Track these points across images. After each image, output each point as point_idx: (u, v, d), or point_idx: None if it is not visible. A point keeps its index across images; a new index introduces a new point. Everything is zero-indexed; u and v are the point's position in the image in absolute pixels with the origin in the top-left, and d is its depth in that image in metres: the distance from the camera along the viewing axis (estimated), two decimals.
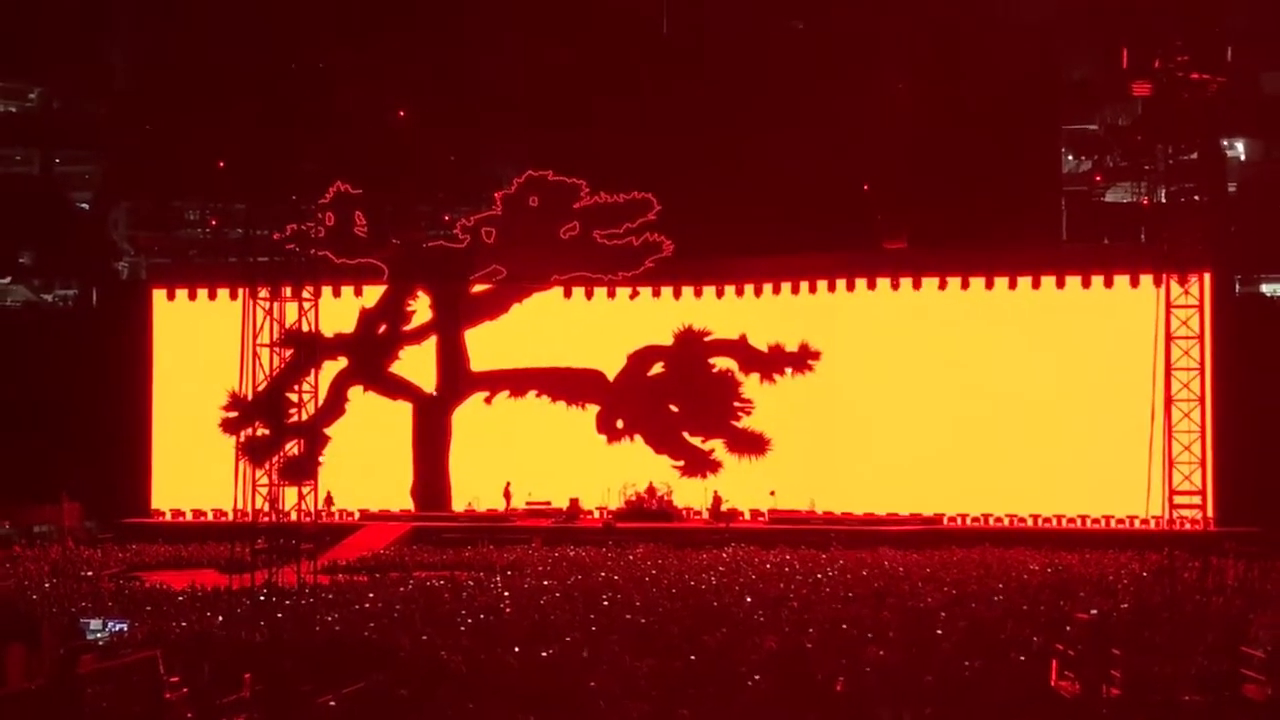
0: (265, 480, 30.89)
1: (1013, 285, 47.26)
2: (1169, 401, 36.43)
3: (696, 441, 49.41)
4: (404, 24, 55.42)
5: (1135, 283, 45.68)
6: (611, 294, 50.37)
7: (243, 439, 33.02)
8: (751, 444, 48.90)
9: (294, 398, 31.71)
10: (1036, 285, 47.05)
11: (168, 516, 50.06)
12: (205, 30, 50.71)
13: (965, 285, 47.63)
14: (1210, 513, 40.40)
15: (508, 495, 48.94)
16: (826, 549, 41.52)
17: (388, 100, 56.55)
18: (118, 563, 40.93)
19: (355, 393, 50.10)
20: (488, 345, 50.57)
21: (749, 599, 30.73)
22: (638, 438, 49.76)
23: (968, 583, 33.48)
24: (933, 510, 46.80)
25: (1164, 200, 39.30)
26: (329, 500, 48.51)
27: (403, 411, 50.53)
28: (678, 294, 50.39)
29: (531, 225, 49.73)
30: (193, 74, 52.94)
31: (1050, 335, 46.61)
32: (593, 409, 50.03)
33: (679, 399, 49.75)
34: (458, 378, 50.55)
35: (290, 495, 30.98)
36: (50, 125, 61.86)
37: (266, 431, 31.77)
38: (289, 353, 32.02)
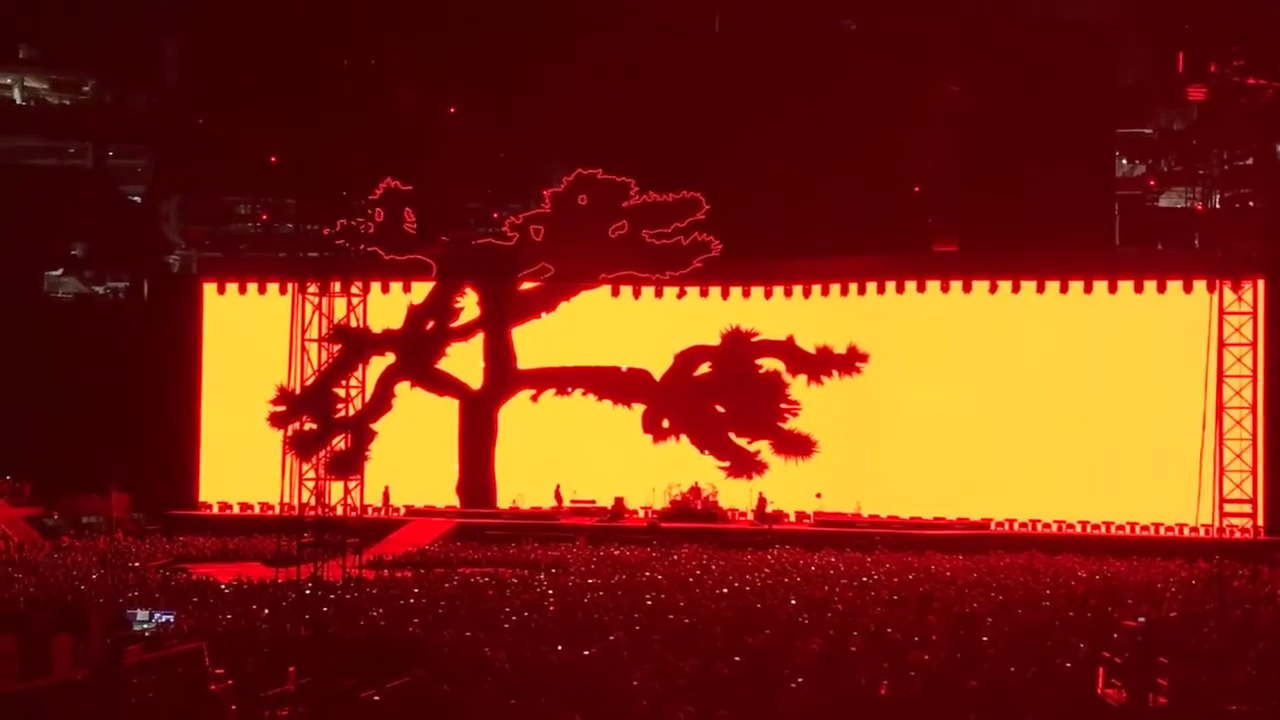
0: (312, 475, 31.02)
1: (1064, 289, 46.92)
2: (1221, 409, 36.20)
3: (742, 442, 49.29)
4: (455, 21, 55.46)
5: (1189, 288, 45.27)
6: (659, 293, 50.33)
7: (290, 433, 33.17)
8: (798, 446, 48.76)
9: (341, 393, 31.84)
10: (1088, 290, 46.72)
11: (215, 509, 50.28)
12: (258, 26, 50.88)
13: (1016, 289, 47.32)
14: (1261, 521, 40.09)
15: (558, 497, 48.96)
16: (872, 552, 41.38)
17: (438, 97, 56.65)
18: (165, 554, 41.13)
19: (402, 389, 50.19)
20: (535, 343, 50.61)
21: (793, 601, 30.61)
22: (683, 438, 49.70)
23: (1014, 588, 33.25)
24: (980, 515, 46.53)
25: (1218, 206, 39.09)
26: (386, 495, 48.76)
27: (449, 408, 50.62)
28: (725, 294, 50.30)
29: (580, 224, 49.73)
30: (245, 69, 53.16)
31: (1102, 340, 46.26)
32: (639, 408, 50.00)
33: (725, 399, 49.66)
34: (504, 375, 50.61)
35: (336, 490, 31.11)
36: (103, 118, 62.23)
37: (314, 426, 31.93)
38: (337, 348, 32.15)
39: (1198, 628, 26.93)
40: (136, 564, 37.87)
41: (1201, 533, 39.96)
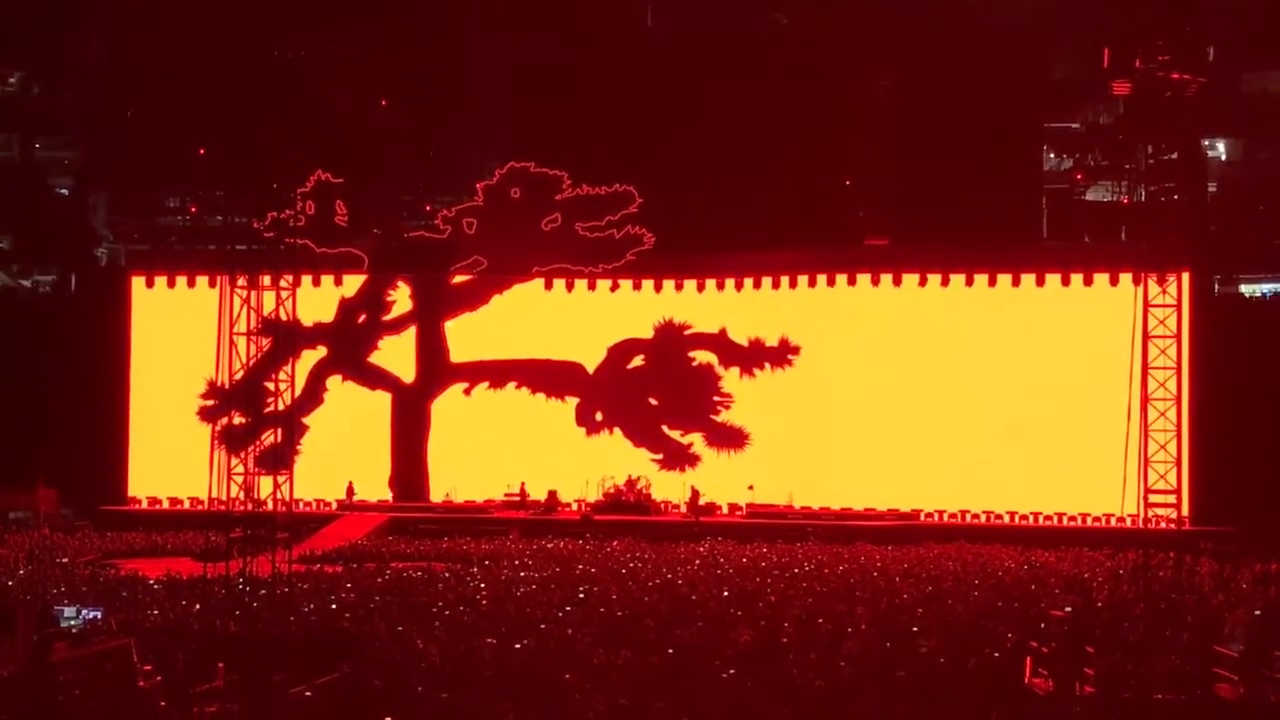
0: (241, 469, 30.83)
1: (993, 282, 47.41)
2: (1145, 400, 36.55)
3: (675, 435, 49.50)
4: (387, 13, 55.22)
5: (1115, 281, 45.83)
6: (592, 286, 50.39)
7: (220, 428, 32.96)
8: (730, 438, 49.00)
9: (271, 387, 31.64)
10: (1016, 283, 47.20)
11: (144, 504, 49.93)
12: (187, 16, 50.46)
13: (946, 282, 47.76)
14: (1185, 511, 40.58)
15: (523, 494, 48.70)
16: (803, 543, 41.63)
17: (370, 89, 56.39)
18: (93, 550, 40.82)
19: (334, 382, 50.08)
20: (468, 336, 50.55)
21: (725, 593, 30.75)
22: (617, 430, 49.83)
23: (944, 579, 33.55)
24: (910, 506, 46.95)
25: (1144, 199, 39.46)
26: (350, 491, 48.62)
27: (381, 402, 50.49)
28: (658, 287, 50.44)
29: (513, 217, 49.73)
30: (174, 61, 52.71)
31: (1029, 333, 46.76)
32: (572, 401, 50.09)
33: (658, 392, 49.82)
34: (437, 368, 50.52)
35: (266, 484, 30.92)
36: (30, 110, 61.54)
37: (243, 420, 31.71)
38: (267, 342, 31.95)
39: (1124, 617, 27.27)
40: (64, 560, 37.56)
41: (1127, 523, 40.32)
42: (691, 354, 49.72)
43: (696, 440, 49.30)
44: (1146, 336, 37.51)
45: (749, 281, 49.70)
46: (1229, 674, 21.62)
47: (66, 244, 58.29)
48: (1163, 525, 37.70)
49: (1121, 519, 40.70)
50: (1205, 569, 35.55)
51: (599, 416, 49.92)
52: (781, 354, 48.66)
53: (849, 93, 53.10)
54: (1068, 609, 24.30)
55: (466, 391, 50.35)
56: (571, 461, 49.00)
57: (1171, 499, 37.73)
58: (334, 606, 28.86)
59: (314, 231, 47.44)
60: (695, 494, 47.61)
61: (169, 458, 48.36)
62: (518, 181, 49.81)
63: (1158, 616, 27.47)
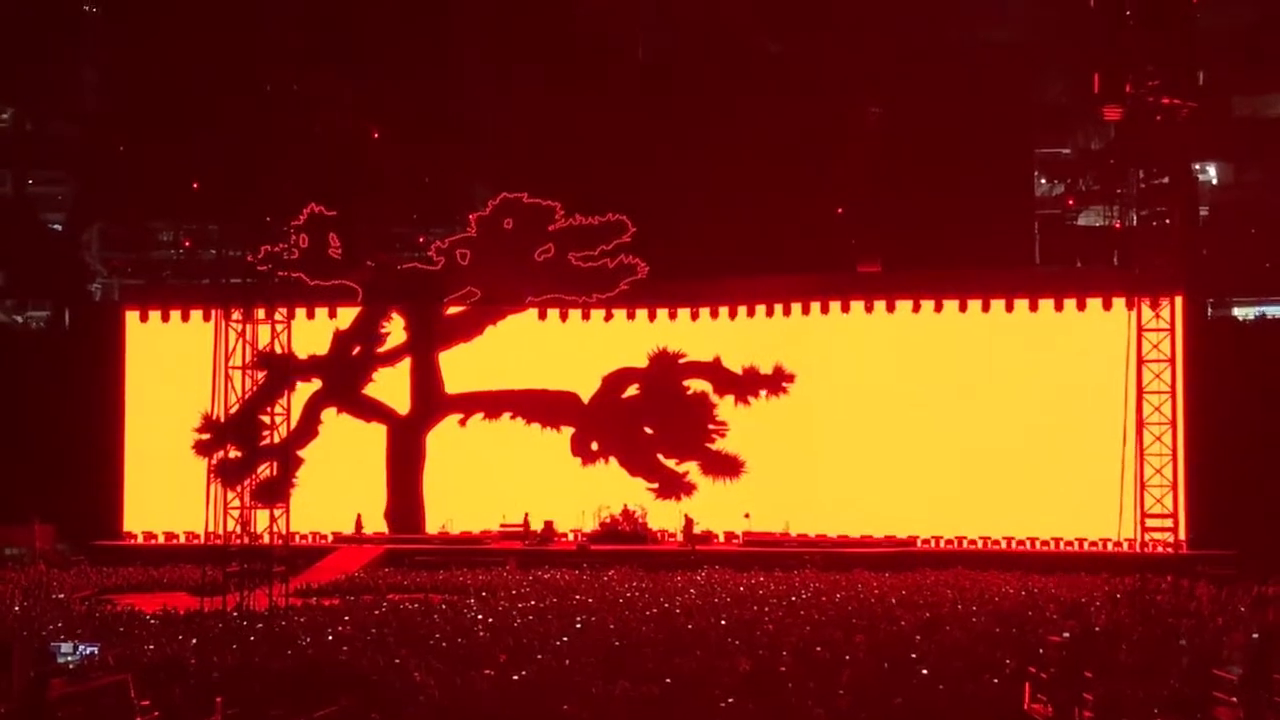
0: (237, 503, 30.82)
1: (986, 308, 47.44)
2: (1141, 425, 36.69)
3: (671, 464, 49.45)
4: (379, 46, 55.37)
5: (1108, 306, 45.84)
6: (586, 316, 50.41)
7: (215, 461, 32.94)
8: (726, 466, 48.97)
9: (267, 420, 31.66)
10: (1010, 308, 47.24)
11: (140, 539, 49.79)
12: (180, 51, 50.57)
13: (939, 308, 47.79)
14: (1182, 535, 40.59)
15: (526, 524, 48.60)
16: (800, 571, 41.59)
17: (362, 122, 56.49)
18: (89, 585, 40.71)
19: (329, 415, 50.02)
20: (462, 367, 50.54)
21: (723, 622, 30.72)
22: (612, 460, 49.78)
23: (941, 605, 33.50)
24: (906, 533, 46.91)
25: (1136, 224, 39.58)
26: (359, 523, 48.58)
27: (377, 433, 50.44)
28: (652, 316, 50.45)
29: (506, 247, 49.75)
30: (167, 95, 52.79)
31: (1023, 358, 46.76)
32: (567, 431, 50.04)
33: (654, 421, 49.80)
34: (432, 399, 50.50)
35: (262, 518, 30.91)
36: (23, 146, 61.63)
37: (239, 454, 31.72)
38: (262, 375, 31.98)
39: (1122, 642, 27.23)
40: (60, 595, 37.45)
41: (1125, 547, 40.40)
42: (686, 382, 49.72)
43: (692, 469, 49.27)
44: (1140, 361, 37.66)
45: (743, 309, 49.74)
46: (1228, 698, 21.60)
47: (60, 279, 58.28)
48: (1160, 549, 37.82)
49: (1119, 543, 40.81)
50: (1203, 592, 35.50)
51: (594, 446, 49.89)
52: (776, 381, 48.67)
53: (839, 119, 53.25)
54: (1066, 634, 24.34)
55: (461, 422, 50.32)
56: (567, 491, 48.96)
57: (1168, 523, 37.85)
58: (331, 640, 28.79)
59: (308, 264, 47.43)
60: (690, 522, 47.54)
61: (165, 492, 48.25)
62: (511, 212, 49.86)
63: (1156, 641, 27.44)
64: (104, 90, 61.78)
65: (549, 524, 48.44)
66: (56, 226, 61.75)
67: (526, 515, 48.57)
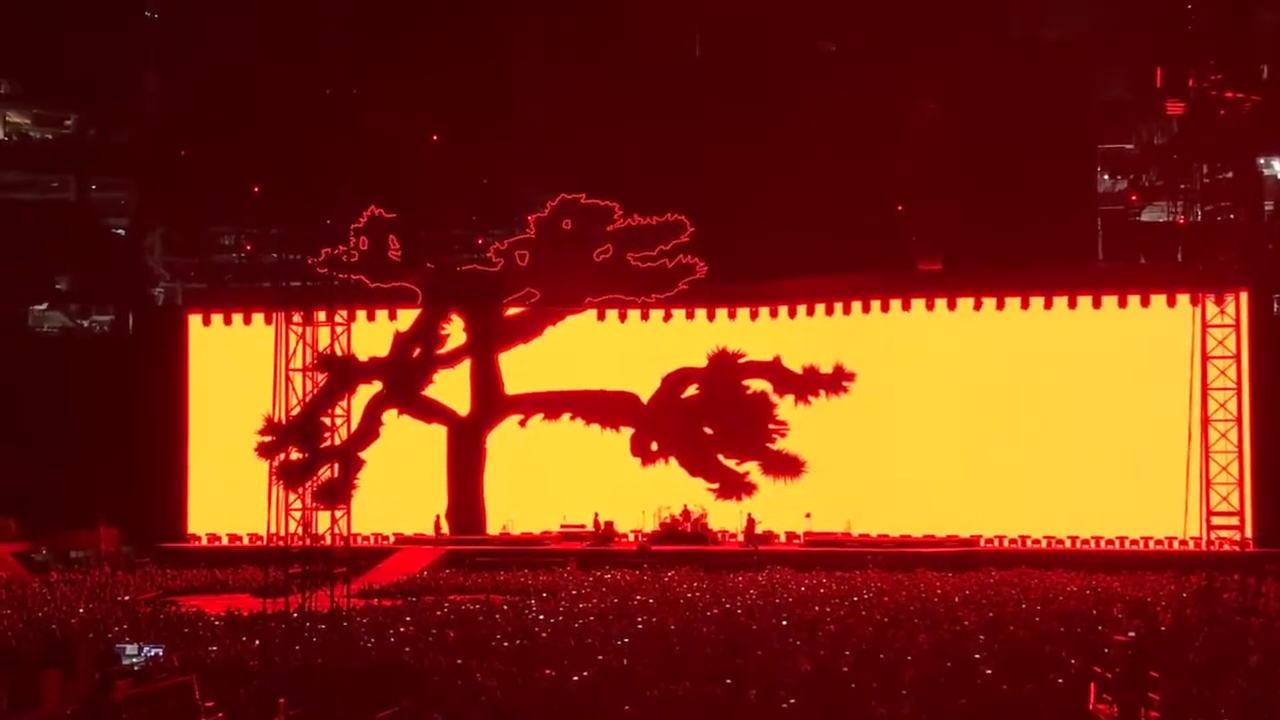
0: (299, 505, 30.92)
1: (1048, 305, 47.05)
2: (1206, 422, 36.35)
3: (731, 464, 49.34)
4: (437, 48, 55.56)
5: (1172, 302, 45.35)
6: (645, 316, 50.37)
7: (277, 463, 33.06)
8: (787, 466, 48.81)
9: (328, 422, 31.75)
10: (1072, 305, 46.83)
11: (204, 541, 50.18)
12: (240, 55, 50.92)
13: (1000, 306, 47.45)
14: (1249, 533, 40.13)
15: (597, 524, 48.64)
16: (863, 571, 41.39)
17: (421, 125, 56.70)
18: (154, 587, 41.02)
19: (390, 416, 50.21)
20: (522, 368, 50.62)
21: (784, 622, 30.59)
22: (672, 460, 49.71)
23: (1005, 604, 33.26)
24: (969, 532, 46.58)
25: (1200, 219, 39.20)
26: (437, 524, 48.78)
27: (437, 435, 50.60)
28: (711, 316, 50.36)
29: (565, 248, 49.80)
30: (227, 99, 53.17)
31: (1087, 355, 46.33)
32: (627, 431, 50.03)
33: (713, 421, 49.70)
34: (492, 401, 50.59)
35: (324, 519, 31.01)
36: (86, 152, 62.19)
37: (301, 456, 31.82)
38: (323, 377, 32.08)
39: (1188, 641, 26.94)
40: (125, 598, 37.75)
41: (1190, 546, 40.02)
42: (746, 382, 49.60)
43: (752, 469, 49.14)
44: (1205, 357, 37.31)
45: (802, 308, 49.58)
46: None
47: (123, 284, 58.85)
48: (1226, 547, 37.43)
49: (1184, 541, 40.40)
50: (1271, 590, 35.09)
51: (654, 446, 49.84)
52: (836, 381, 48.47)
53: (899, 117, 53.00)
54: (1131, 634, 24.09)
55: (521, 423, 50.41)
56: (627, 492, 48.95)
57: (1234, 520, 37.47)
58: (393, 640, 28.88)
59: (368, 267, 47.66)
60: (751, 522, 47.41)
61: (228, 494, 48.61)
62: (569, 213, 49.91)
63: (1223, 640, 27.13)
64: (165, 96, 62.26)
65: (609, 524, 48.44)
66: (119, 231, 62.32)
67: (596, 515, 48.53)
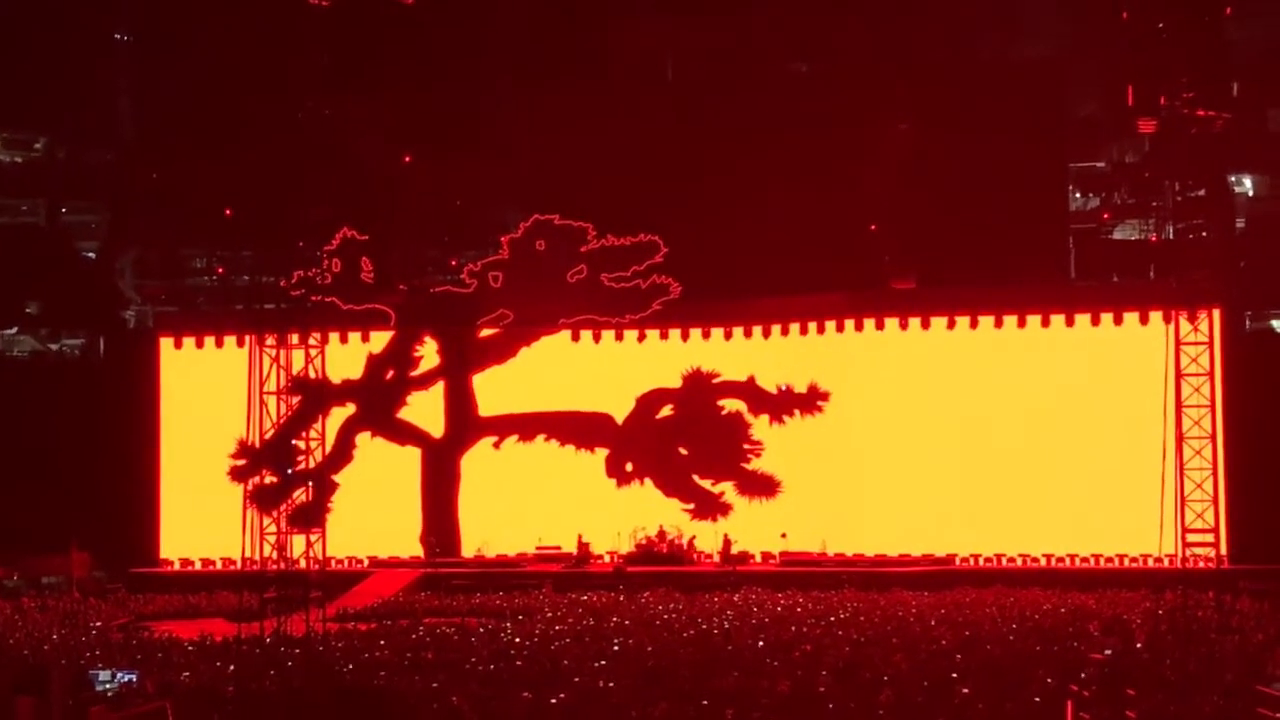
0: (273, 528, 30.82)
1: (1022, 324, 47.18)
2: (1180, 439, 36.37)
3: (706, 484, 49.23)
4: (409, 69, 55.50)
5: (1145, 320, 45.55)
6: (619, 337, 50.34)
7: (251, 487, 32.96)
8: (762, 486, 48.73)
9: (302, 445, 31.67)
10: (1046, 323, 46.97)
11: (176, 566, 49.93)
12: (211, 78, 50.79)
13: (974, 324, 47.57)
14: (1224, 550, 40.17)
15: (581, 545, 48.40)
16: (838, 591, 41.37)
17: (393, 146, 56.63)
18: (127, 613, 40.79)
19: (363, 439, 50.01)
20: (496, 389, 50.51)
21: (761, 642, 30.56)
22: (647, 481, 49.62)
23: (981, 623, 33.30)
24: (945, 551, 46.60)
25: (1172, 237, 39.28)
26: (428, 544, 48.58)
27: (411, 457, 50.44)
28: (685, 336, 50.36)
29: (538, 269, 49.73)
30: (198, 122, 53.02)
31: (1060, 373, 46.48)
32: (602, 452, 49.91)
33: (688, 441, 49.63)
34: (466, 422, 50.47)
35: (298, 543, 30.91)
36: (56, 175, 61.94)
37: (274, 479, 31.73)
38: (296, 400, 31.99)
39: (1164, 658, 26.98)
40: (98, 623, 37.53)
41: (1165, 563, 40.02)
42: (720, 402, 49.54)
43: (728, 489, 49.04)
44: (1179, 375, 37.36)
45: (776, 328, 49.60)
46: (1272, 714, 21.36)
47: (94, 307, 58.53)
48: (1201, 564, 37.43)
49: (1160, 559, 40.35)
50: (1245, 608, 35.19)
51: (629, 467, 49.74)
52: (811, 400, 48.45)
53: (871, 137, 53.10)
54: (1108, 651, 24.14)
55: (496, 445, 50.26)
56: (603, 513, 48.80)
57: (1209, 538, 37.45)
58: (368, 664, 28.75)
59: (341, 289, 47.55)
60: (728, 543, 47.37)
61: (201, 518, 48.31)
62: (543, 234, 49.87)
63: (1198, 657, 27.17)
64: (136, 118, 62.08)
65: (584, 545, 48.33)
66: (90, 255, 62.03)
67: (580, 536, 48.35)
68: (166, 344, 51.58)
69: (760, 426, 49.11)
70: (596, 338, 50.43)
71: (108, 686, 23.88)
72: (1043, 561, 45.80)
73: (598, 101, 55.15)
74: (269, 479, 31.96)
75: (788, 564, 46.82)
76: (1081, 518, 45.45)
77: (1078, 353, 46.48)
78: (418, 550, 49.70)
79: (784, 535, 47.51)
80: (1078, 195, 57.39)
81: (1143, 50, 37.34)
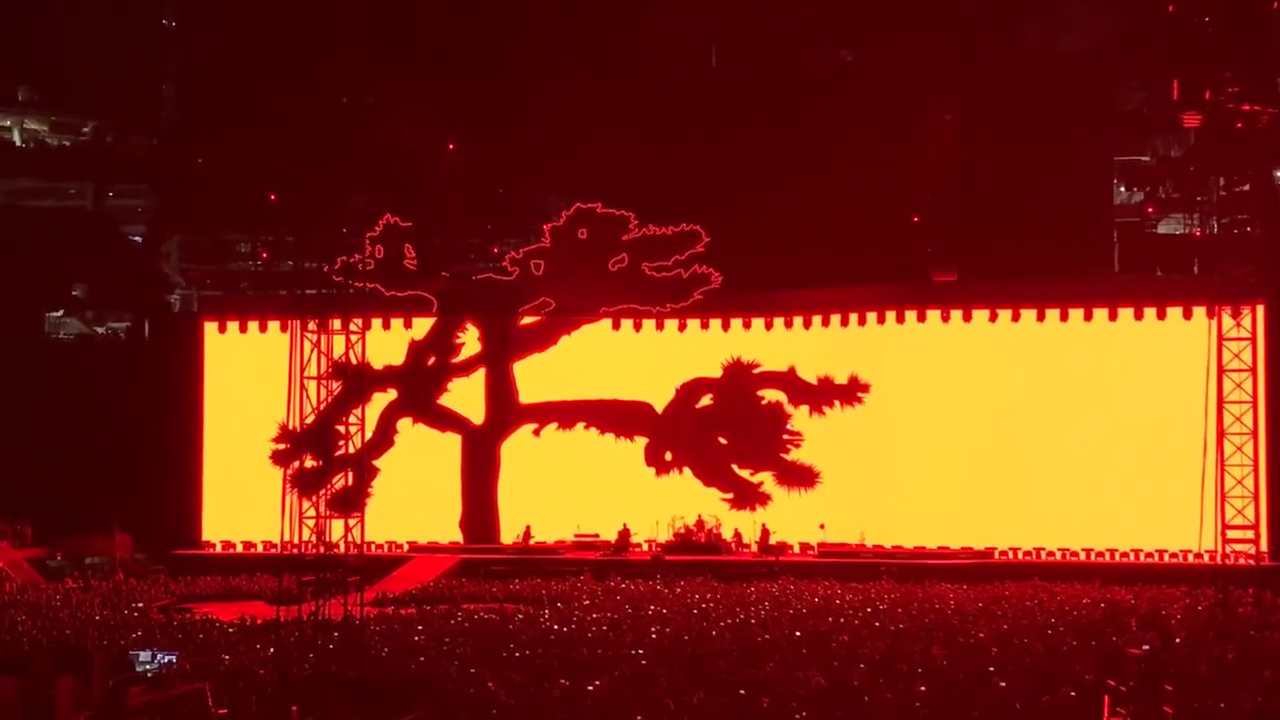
0: (313, 512, 30.97)
1: (1064, 317, 46.95)
2: (1221, 435, 36.19)
3: (745, 474, 49.22)
4: (453, 58, 55.64)
5: (1188, 315, 45.28)
6: (660, 326, 50.33)
7: (292, 471, 33.12)
8: (801, 477, 48.68)
9: (342, 430, 31.81)
10: (1088, 318, 46.73)
11: (218, 548, 50.24)
12: (256, 64, 51.03)
13: (1016, 317, 47.35)
14: (1264, 546, 39.99)
15: (623, 535, 48.52)
16: (876, 583, 41.32)
17: (436, 133, 56.79)
18: (168, 594, 41.10)
19: (404, 425, 50.18)
20: (536, 377, 50.61)
21: (798, 633, 30.57)
22: (686, 470, 49.63)
23: (1019, 617, 33.22)
24: (984, 544, 46.44)
25: (1217, 232, 39.06)
26: (528, 533, 48.75)
27: (451, 443, 50.59)
28: (726, 326, 50.31)
29: (580, 257, 49.77)
30: (244, 108, 53.30)
31: (1102, 368, 46.25)
32: (641, 441, 49.94)
33: (727, 431, 49.62)
34: (506, 410, 50.59)
35: (338, 527, 31.06)
36: (103, 159, 62.40)
37: (315, 463, 31.88)
38: (338, 385, 32.14)
39: (1203, 655, 26.87)
40: (139, 604, 37.82)
41: (1205, 559, 39.85)
42: (760, 392, 49.51)
43: (766, 479, 49.00)
44: (1221, 370, 37.17)
45: (817, 319, 49.52)
46: None
47: (140, 291, 58.98)
48: (1241, 561, 37.27)
49: (1199, 555, 40.20)
50: None
51: (668, 456, 49.76)
52: (851, 391, 48.37)
53: (914, 128, 52.96)
54: (1145, 647, 24.06)
55: (536, 432, 50.37)
56: (641, 501, 48.85)
57: (1250, 534, 37.32)
58: (406, 649, 28.89)
59: (383, 275, 47.69)
60: (766, 533, 47.38)
61: (242, 501, 48.65)
62: (585, 222, 49.90)
63: (1237, 654, 27.06)
64: (182, 103, 62.46)
65: (623, 534, 48.40)
66: (136, 239, 62.49)
67: (625, 525, 48.37)
68: (210, 328, 51.87)
69: (800, 417, 49.06)
70: (637, 326, 50.44)
71: (148, 667, 24.09)
72: (1082, 556, 45.63)
73: (640, 89, 55.12)
74: (310, 463, 32.10)
75: (826, 555, 46.75)
76: (1121, 512, 45.24)
77: (1120, 347, 46.24)
78: (457, 536, 49.89)
79: (822, 526, 47.48)
80: (1122, 189, 57.16)
81: (1188, 44, 37.15)
